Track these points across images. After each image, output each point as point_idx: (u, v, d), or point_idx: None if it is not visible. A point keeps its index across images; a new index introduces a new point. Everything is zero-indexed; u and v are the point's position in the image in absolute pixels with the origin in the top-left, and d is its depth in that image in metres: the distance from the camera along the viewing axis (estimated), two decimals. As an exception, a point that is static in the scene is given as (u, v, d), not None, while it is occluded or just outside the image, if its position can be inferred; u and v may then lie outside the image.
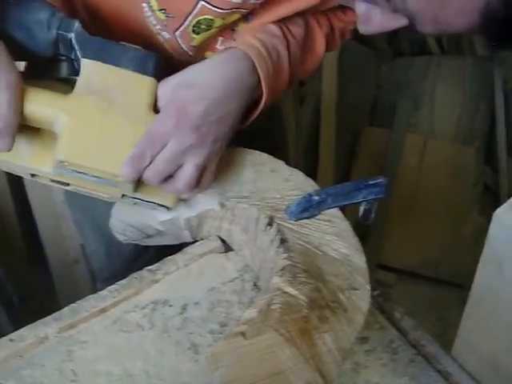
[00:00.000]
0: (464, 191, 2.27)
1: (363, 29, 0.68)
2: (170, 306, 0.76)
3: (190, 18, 0.80)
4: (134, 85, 0.73)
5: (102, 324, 0.74)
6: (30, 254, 1.70)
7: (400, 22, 0.66)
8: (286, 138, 1.29)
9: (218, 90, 0.74)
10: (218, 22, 0.81)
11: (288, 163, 0.84)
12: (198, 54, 0.87)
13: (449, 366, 0.73)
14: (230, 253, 0.82)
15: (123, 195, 0.77)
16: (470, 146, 2.34)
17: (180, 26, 0.82)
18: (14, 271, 1.63)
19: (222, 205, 0.79)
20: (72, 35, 0.72)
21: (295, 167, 0.83)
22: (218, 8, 0.78)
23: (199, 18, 0.80)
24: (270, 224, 0.74)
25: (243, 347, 0.57)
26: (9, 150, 0.70)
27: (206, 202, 0.80)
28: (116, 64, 0.73)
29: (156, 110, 0.74)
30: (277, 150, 0.89)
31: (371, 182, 0.77)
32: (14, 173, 0.79)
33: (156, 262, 0.80)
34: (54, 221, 1.59)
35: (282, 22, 0.85)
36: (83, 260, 1.63)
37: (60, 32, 0.72)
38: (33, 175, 0.77)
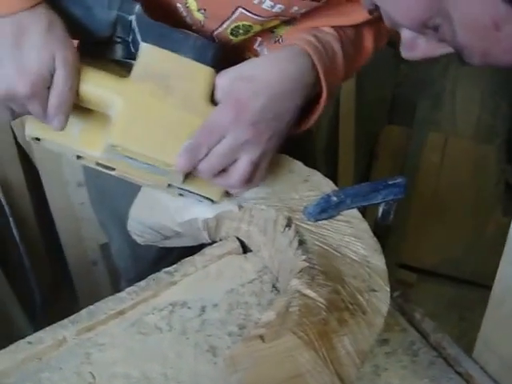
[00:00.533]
0: (485, 189, 2.24)
1: (407, 55, 0.66)
2: (189, 308, 0.76)
3: (227, 22, 0.79)
4: (192, 73, 0.72)
5: (120, 326, 0.74)
6: (49, 256, 1.71)
7: (445, 49, 0.64)
8: (314, 141, 1.26)
9: (276, 86, 0.73)
10: (257, 28, 0.80)
11: (315, 166, 0.84)
12: (235, 55, 0.85)
13: (470, 369, 0.72)
14: (249, 254, 0.81)
15: (169, 185, 0.76)
16: (491, 144, 2.31)
17: (217, 28, 0.81)
18: (34, 272, 1.64)
19: (240, 206, 0.79)
20: (132, 17, 0.71)
21: (315, 168, 0.83)
22: (258, 16, 0.77)
23: (237, 23, 0.79)
24: (288, 225, 0.74)
25: (261, 350, 0.57)
26: (62, 129, 0.70)
27: (223, 204, 0.79)
28: (175, 51, 0.72)
29: (213, 101, 0.73)
30: (306, 154, 0.89)
31: (390, 183, 0.77)
32: (59, 153, 0.79)
33: (180, 264, 0.80)
34: (73, 223, 1.60)
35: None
36: (102, 261, 1.64)
37: (120, 13, 0.71)
38: (79, 157, 0.76)
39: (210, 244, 0.83)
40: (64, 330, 0.73)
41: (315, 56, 0.76)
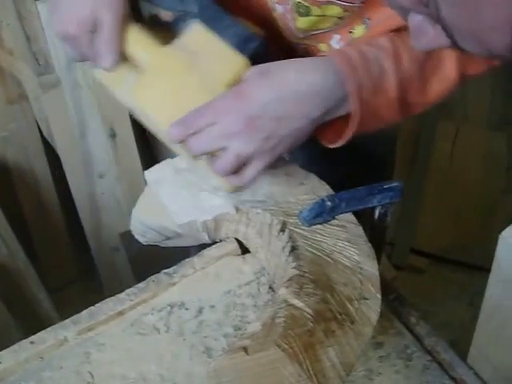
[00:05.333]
0: (497, 177, 2.17)
1: (416, 44, 0.62)
2: (186, 309, 0.73)
3: None
4: (224, 59, 0.70)
5: (119, 327, 0.72)
6: (73, 242, 1.70)
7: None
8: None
9: (289, 89, 0.68)
10: (316, 11, 0.75)
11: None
12: (309, 42, 0.81)
13: (464, 374, 0.68)
14: (247, 255, 0.78)
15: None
16: (502, 132, 2.23)
17: (288, 2, 0.76)
18: (58, 258, 1.63)
19: (237, 209, 0.75)
20: None
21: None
22: None
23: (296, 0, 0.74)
24: (282, 230, 0.70)
25: (245, 363, 0.53)
26: (109, 70, 0.73)
27: (221, 206, 0.76)
28: (220, 34, 0.71)
29: None
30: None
31: (386, 187, 0.72)
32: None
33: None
34: (95, 212, 1.59)
35: (400, 32, 0.75)
36: (122, 248, 1.62)
37: None
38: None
39: (210, 244, 0.80)
40: (65, 331, 0.71)
41: (349, 74, 0.69)
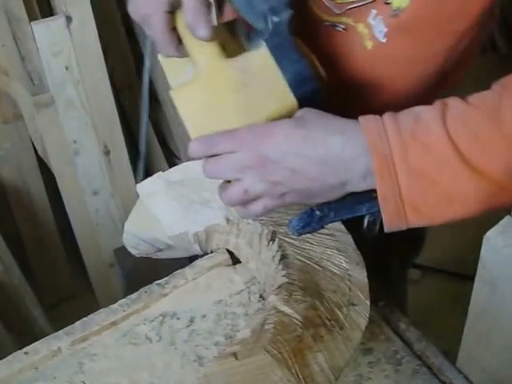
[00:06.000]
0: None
1: None
2: (178, 318, 0.74)
3: None
4: (275, 92, 0.68)
5: (112, 337, 0.72)
6: (68, 258, 1.70)
7: None
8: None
9: (312, 149, 0.63)
10: None
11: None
12: (346, 20, 0.77)
13: (453, 378, 0.69)
14: (238, 265, 0.79)
15: None
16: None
17: None
18: (53, 275, 1.63)
19: (228, 219, 0.76)
20: (275, 19, 0.70)
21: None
22: None
23: None
24: (272, 239, 0.71)
25: (234, 368, 0.54)
26: (206, 39, 0.68)
27: (211, 217, 0.77)
28: (281, 65, 0.68)
29: None
30: None
31: (374, 195, 0.73)
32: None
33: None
34: (89, 229, 1.59)
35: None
36: (117, 264, 1.62)
37: (271, 13, 0.70)
38: None
39: (202, 255, 0.80)
40: (59, 341, 0.72)
41: (372, 141, 0.61)
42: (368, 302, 0.64)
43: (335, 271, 0.66)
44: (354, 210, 0.72)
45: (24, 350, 0.71)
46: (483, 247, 0.51)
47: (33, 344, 0.72)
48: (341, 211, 0.71)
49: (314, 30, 0.79)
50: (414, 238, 1.07)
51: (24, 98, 1.44)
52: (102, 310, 0.75)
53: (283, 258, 0.67)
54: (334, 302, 0.62)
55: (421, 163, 0.59)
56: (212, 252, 0.80)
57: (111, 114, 1.51)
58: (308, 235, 0.71)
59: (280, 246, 0.69)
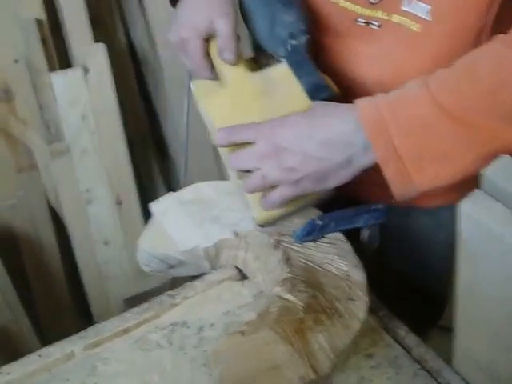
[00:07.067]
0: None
1: None
2: (188, 327, 0.80)
3: None
4: (294, 99, 0.81)
5: (124, 343, 0.78)
6: (76, 308, 1.76)
7: None
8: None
9: (317, 131, 0.73)
10: None
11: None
12: (382, 15, 0.82)
13: (452, 380, 0.74)
14: (246, 281, 0.85)
15: None
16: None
17: None
18: (60, 324, 1.68)
19: (236, 233, 0.83)
20: (293, 42, 0.83)
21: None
22: None
23: None
24: (277, 247, 0.78)
25: (241, 344, 0.60)
26: (231, 63, 0.85)
27: (221, 232, 0.84)
28: (299, 77, 0.82)
29: None
30: None
31: (372, 208, 0.81)
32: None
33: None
34: (98, 280, 1.66)
35: None
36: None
37: (291, 38, 0.83)
38: None
39: (211, 273, 0.88)
40: (72, 345, 0.78)
41: (368, 124, 0.70)
42: (366, 299, 0.71)
43: (336, 272, 0.74)
44: (352, 221, 0.80)
45: (38, 352, 0.78)
46: (459, 217, 0.56)
47: (46, 347, 0.78)
48: (340, 221, 0.80)
49: (349, 32, 0.87)
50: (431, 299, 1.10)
51: (40, 147, 1.55)
52: (114, 317, 0.81)
53: (287, 260, 0.75)
54: (334, 296, 0.69)
55: (409, 123, 0.68)
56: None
57: (124, 165, 1.62)
58: (310, 243, 0.79)
59: (284, 252, 0.76)
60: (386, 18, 0.82)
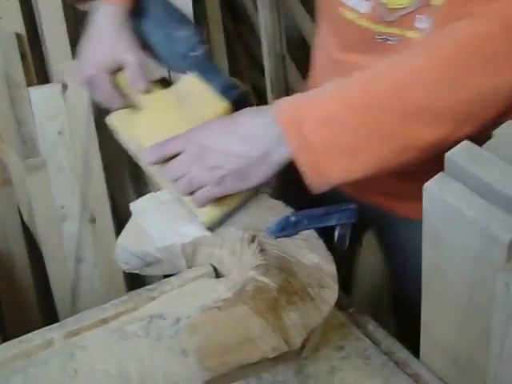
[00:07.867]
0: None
1: None
2: (165, 319, 0.85)
3: None
4: (209, 102, 0.90)
5: (103, 332, 0.83)
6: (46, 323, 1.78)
7: None
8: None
9: (233, 129, 0.82)
10: None
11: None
12: (398, 31, 0.86)
13: (418, 369, 0.80)
14: (221, 278, 0.91)
15: None
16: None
17: None
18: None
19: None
20: (194, 54, 0.92)
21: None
22: None
23: None
24: (252, 240, 0.84)
25: (218, 317, 0.66)
26: (145, 90, 0.93)
27: (196, 231, 0.90)
28: (209, 83, 0.90)
29: None
30: None
31: (343, 208, 0.88)
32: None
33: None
34: (70, 296, 1.69)
35: None
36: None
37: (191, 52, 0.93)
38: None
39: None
40: (52, 333, 0.82)
41: (279, 115, 0.78)
42: (336, 288, 0.77)
43: (308, 264, 0.80)
44: (325, 220, 0.87)
45: (18, 338, 0.82)
46: (424, 198, 0.63)
47: (26, 334, 0.83)
48: (314, 219, 0.86)
49: (369, 48, 0.91)
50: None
51: (15, 162, 1.60)
52: (94, 308, 0.87)
53: (261, 251, 0.81)
54: (306, 282, 0.75)
55: (321, 118, 0.76)
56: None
57: (99, 183, 1.67)
58: (285, 239, 0.85)
59: (259, 244, 0.83)
60: (402, 33, 0.87)
